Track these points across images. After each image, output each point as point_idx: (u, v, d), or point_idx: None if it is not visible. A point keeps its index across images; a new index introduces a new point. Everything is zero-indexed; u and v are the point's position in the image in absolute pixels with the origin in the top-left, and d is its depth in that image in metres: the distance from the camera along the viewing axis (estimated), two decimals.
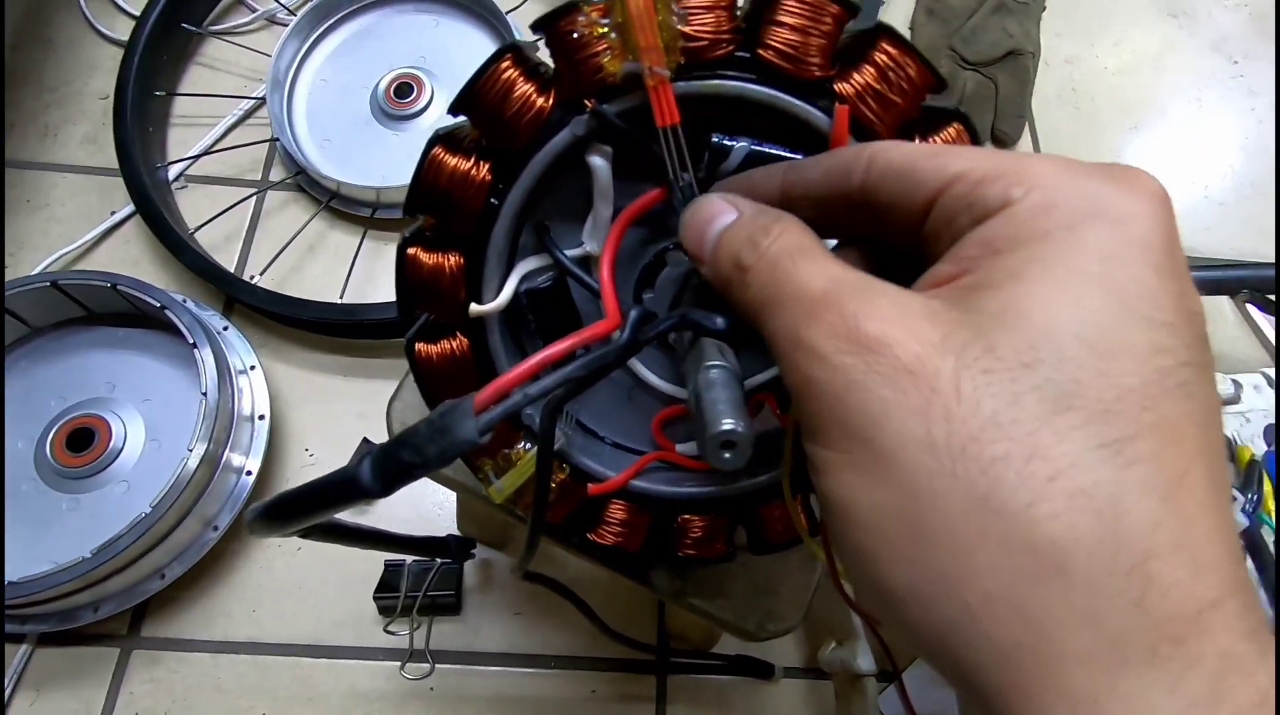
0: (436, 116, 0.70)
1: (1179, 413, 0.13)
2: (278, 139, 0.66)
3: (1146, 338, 0.14)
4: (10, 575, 0.47)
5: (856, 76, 0.22)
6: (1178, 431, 0.13)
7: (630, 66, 0.21)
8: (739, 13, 0.22)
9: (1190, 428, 0.14)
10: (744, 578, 0.35)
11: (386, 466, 0.21)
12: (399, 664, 0.54)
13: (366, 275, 0.65)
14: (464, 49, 0.72)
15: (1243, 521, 0.32)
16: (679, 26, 0.21)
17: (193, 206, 0.67)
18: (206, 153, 0.68)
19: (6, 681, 0.51)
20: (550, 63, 0.23)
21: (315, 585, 0.56)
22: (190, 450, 0.50)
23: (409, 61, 0.71)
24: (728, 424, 0.18)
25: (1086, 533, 0.13)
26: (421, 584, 0.55)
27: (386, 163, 0.68)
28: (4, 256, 0.64)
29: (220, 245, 0.66)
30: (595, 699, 0.55)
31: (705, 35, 0.21)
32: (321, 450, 0.60)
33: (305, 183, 0.67)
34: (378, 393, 0.62)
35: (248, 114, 0.71)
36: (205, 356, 0.53)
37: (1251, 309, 0.67)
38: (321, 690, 0.54)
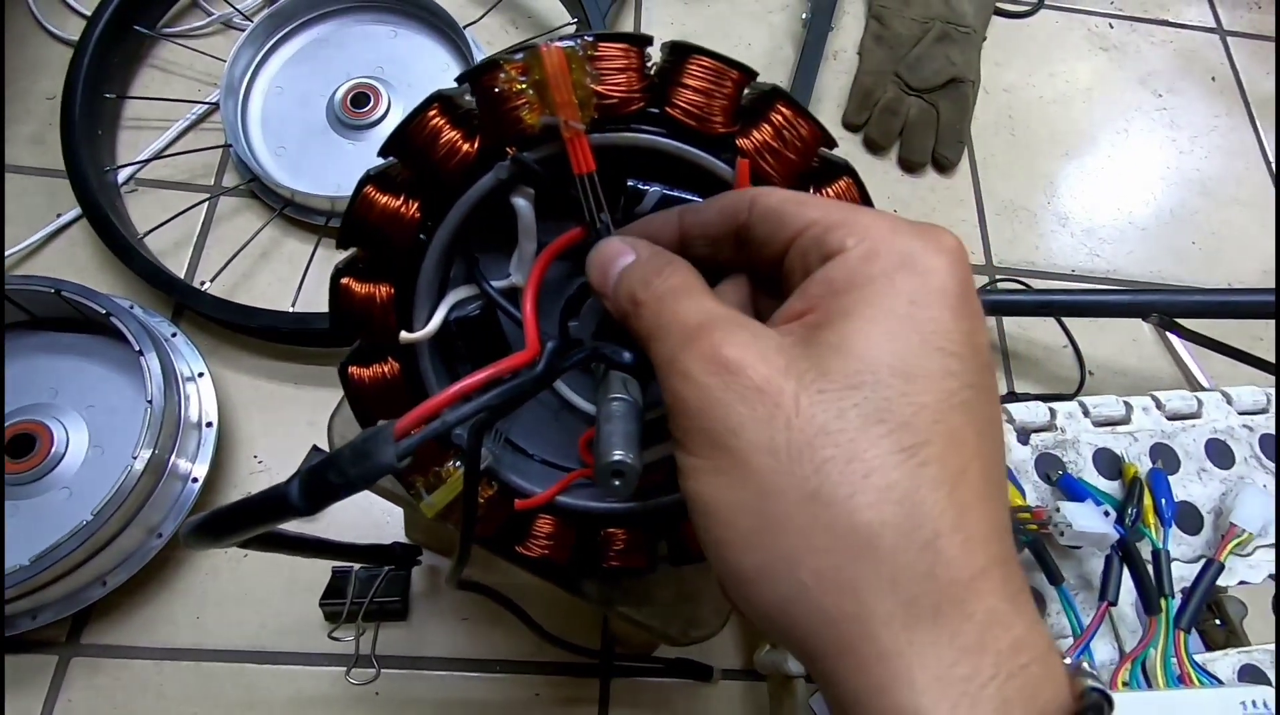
0: (394, 127, 0.71)
1: (961, 423, 0.17)
2: (231, 145, 0.66)
3: (939, 365, 0.17)
4: None
5: (755, 133, 0.24)
6: (959, 438, 0.17)
7: (548, 120, 0.23)
8: (649, 71, 0.24)
9: (970, 435, 0.17)
10: (671, 587, 0.37)
11: (313, 486, 0.22)
12: (345, 669, 0.55)
13: (319, 284, 0.65)
14: (422, 60, 0.73)
15: (1115, 534, 0.35)
16: (593, 85, 0.23)
17: (142, 211, 0.66)
18: (158, 157, 0.68)
19: None
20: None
21: (261, 591, 0.57)
22: (134, 457, 0.50)
23: (366, 71, 0.72)
24: (617, 456, 0.20)
25: (891, 517, 0.16)
26: (368, 590, 0.55)
27: (342, 172, 0.68)
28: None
29: (170, 251, 0.66)
30: (539, 702, 0.57)
31: (617, 94, 0.23)
32: (271, 458, 0.61)
33: (259, 190, 0.68)
34: (328, 401, 0.62)
35: (201, 119, 0.71)
36: (151, 363, 0.53)
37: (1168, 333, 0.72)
38: (266, 696, 0.54)
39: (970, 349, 0.17)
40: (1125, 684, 0.34)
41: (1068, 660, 0.18)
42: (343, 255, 0.27)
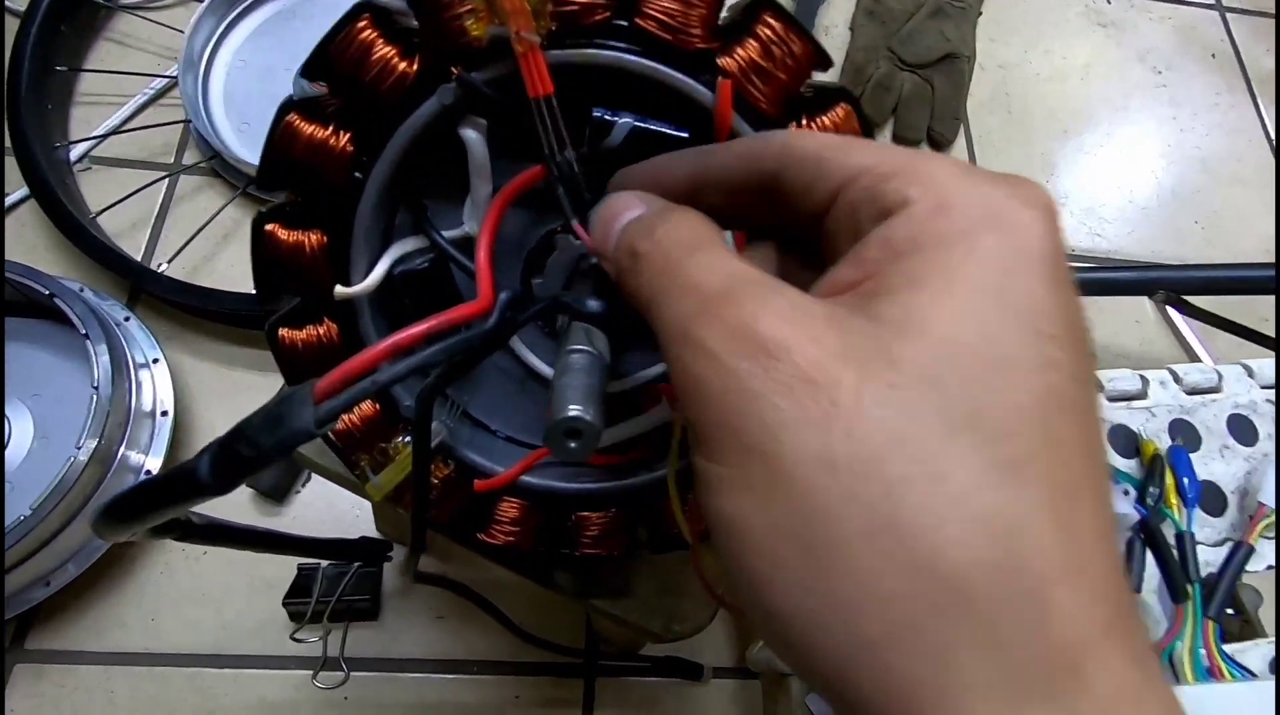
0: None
1: (1067, 429, 0.13)
2: (191, 121, 0.63)
3: (1039, 353, 0.13)
4: None
5: (740, 50, 0.21)
6: (1067, 449, 0.13)
7: (496, 30, 0.19)
8: None
9: (1079, 447, 0.13)
10: (651, 578, 0.34)
11: (223, 460, 0.19)
12: (311, 673, 0.51)
13: None
14: None
15: (1136, 514, 0.33)
16: None
17: (98, 190, 0.63)
18: (113, 133, 0.64)
19: None
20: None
21: (221, 590, 0.53)
22: (78, 448, 0.47)
23: None
24: (574, 411, 0.16)
25: (988, 556, 0.12)
26: (336, 588, 0.52)
27: None
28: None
29: (127, 232, 0.62)
30: (519, 704, 0.54)
31: (578, 0, 0.20)
32: None
33: (220, 167, 0.64)
34: None
35: (160, 94, 0.67)
36: (98, 348, 0.49)
37: (1170, 309, 0.69)
38: (225, 702, 0.51)
39: (1071, 332, 0.14)
40: None
41: None
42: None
